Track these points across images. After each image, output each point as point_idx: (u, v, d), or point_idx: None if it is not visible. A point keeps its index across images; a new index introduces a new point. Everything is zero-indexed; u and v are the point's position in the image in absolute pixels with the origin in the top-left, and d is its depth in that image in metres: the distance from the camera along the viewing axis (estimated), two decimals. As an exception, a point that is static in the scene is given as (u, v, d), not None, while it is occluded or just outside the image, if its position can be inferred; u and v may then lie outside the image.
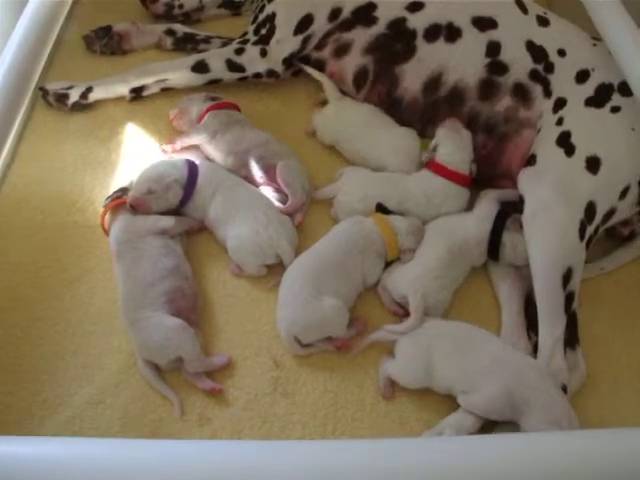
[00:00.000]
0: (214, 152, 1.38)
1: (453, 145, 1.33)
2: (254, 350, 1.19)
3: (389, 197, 1.31)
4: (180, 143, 1.39)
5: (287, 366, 1.18)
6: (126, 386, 1.13)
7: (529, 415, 1.07)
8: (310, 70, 1.49)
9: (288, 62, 1.49)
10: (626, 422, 1.15)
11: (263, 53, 1.46)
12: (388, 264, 1.28)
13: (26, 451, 0.80)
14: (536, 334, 1.19)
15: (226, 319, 1.23)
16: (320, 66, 1.49)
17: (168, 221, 1.25)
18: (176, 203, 1.28)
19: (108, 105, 1.49)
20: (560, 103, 1.31)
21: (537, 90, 1.35)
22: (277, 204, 1.32)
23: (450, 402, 1.14)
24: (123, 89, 1.47)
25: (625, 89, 1.25)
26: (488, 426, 1.11)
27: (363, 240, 1.24)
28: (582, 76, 1.32)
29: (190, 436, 1.08)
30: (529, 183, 1.25)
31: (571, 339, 1.19)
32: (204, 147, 1.40)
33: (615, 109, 1.27)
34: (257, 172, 1.35)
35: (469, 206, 1.35)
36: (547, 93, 1.34)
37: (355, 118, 1.42)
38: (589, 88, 1.30)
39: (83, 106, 1.46)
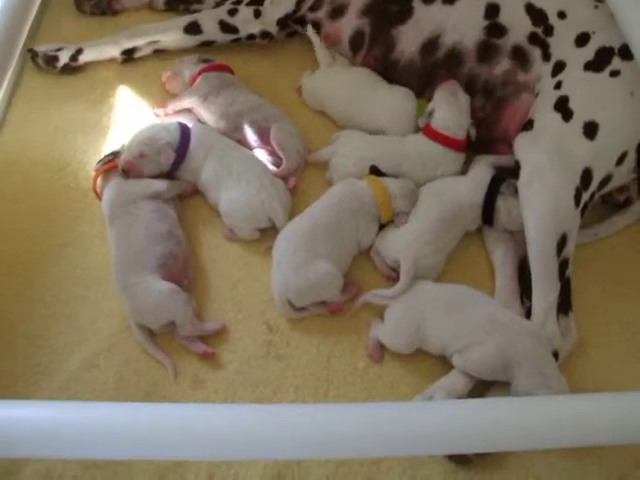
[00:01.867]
0: (206, 115, 1.36)
1: (449, 110, 1.31)
2: (247, 314, 1.20)
3: (384, 159, 1.30)
4: (172, 106, 1.38)
5: (280, 329, 1.18)
6: (120, 350, 1.13)
7: (520, 376, 1.07)
8: (307, 31, 1.46)
9: (282, 23, 1.46)
10: (616, 386, 1.15)
11: (257, 14, 1.43)
12: (382, 227, 1.27)
13: (22, 414, 0.82)
14: (529, 299, 1.19)
15: (219, 283, 1.23)
16: (316, 28, 1.46)
17: (161, 185, 1.24)
18: (168, 166, 1.27)
19: (99, 67, 1.46)
20: (559, 66, 1.29)
21: (536, 53, 1.32)
22: (271, 167, 1.30)
23: (441, 365, 1.15)
24: (114, 51, 1.44)
25: (626, 52, 1.22)
26: (478, 390, 1.11)
27: (357, 202, 1.24)
28: (582, 39, 1.29)
29: (183, 399, 1.09)
30: (525, 148, 1.23)
31: (564, 305, 1.19)
32: (196, 110, 1.38)
33: (614, 73, 1.24)
34: (251, 135, 1.33)
35: (464, 169, 1.33)
36: (546, 56, 1.31)
37: (346, 82, 1.40)
38: (589, 51, 1.27)
39: (73, 68, 1.44)
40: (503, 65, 1.33)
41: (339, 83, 1.41)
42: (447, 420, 0.86)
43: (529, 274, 1.20)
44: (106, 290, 1.19)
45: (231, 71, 1.42)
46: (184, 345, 1.14)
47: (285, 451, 0.85)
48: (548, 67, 1.31)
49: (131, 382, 1.10)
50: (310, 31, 1.46)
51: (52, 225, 1.25)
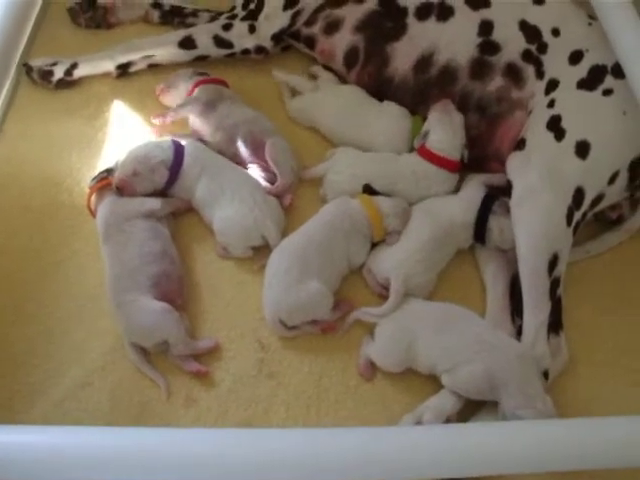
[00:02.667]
0: (203, 126, 1.37)
1: (444, 131, 1.31)
2: (240, 332, 1.21)
3: (379, 178, 1.31)
4: (170, 117, 1.37)
5: (272, 348, 1.19)
6: (113, 368, 1.15)
7: (505, 397, 1.09)
8: (279, 75, 1.47)
9: (277, 38, 1.45)
10: (606, 406, 1.17)
11: (252, 29, 1.43)
12: (374, 245, 1.28)
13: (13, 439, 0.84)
14: (521, 318, 1.20)
15: (212, 301, 1.24)
16: (310, 43, 1.46)
17: (154, 203, 1.25)
18: (162, 184, 1.27)
19: (94, 82, 1.46)
20: (552, 84, 1.29)
21: (529, 70, 1.32)
22: (264, 184, 1.31)
23: (431, 384, 1.16)
24: (109, 65, 1.44)
25: (618, 71, 1.23)
26: (468, 409, 1.13)
27: (349, 221, 1.25)
28: (576, 57, 1.29)
29: (176, 418, 1.11)
30: (518, 168, 1.24)
31: (555, 324, 1.20)
32: (193, 121, 1.38)
33: (607, 92, 1.25)
34: (245, 150, 1.34)
35: (457, 188, 1.34)
36: (539, 74, 1.31)
37: (337, 102, 1.40)
38: (582, 70, 1.28)
39: (68, 83, 1.44)
40: (496, 82, 1.34)
41: (329, 104, 1.41)
42: (428, 446, 0.88)
43: (521, 292, 1.20)
44: (101, 308, 1.20)
45: (227, 85, 1.42)
46: (177, 364, 1.14)
47: (269, 475, 0.88)
48: (541, 84, 1.31)
49: (125, 400, 1.11)
50: (275, 72, 1.47)
51: (47, 242, 1.26)
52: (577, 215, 1.21)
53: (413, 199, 1.32)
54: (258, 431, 0.95)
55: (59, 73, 1.42)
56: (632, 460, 0.91)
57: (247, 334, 1.20)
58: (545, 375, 1.14)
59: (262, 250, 1.26)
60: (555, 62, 1.31)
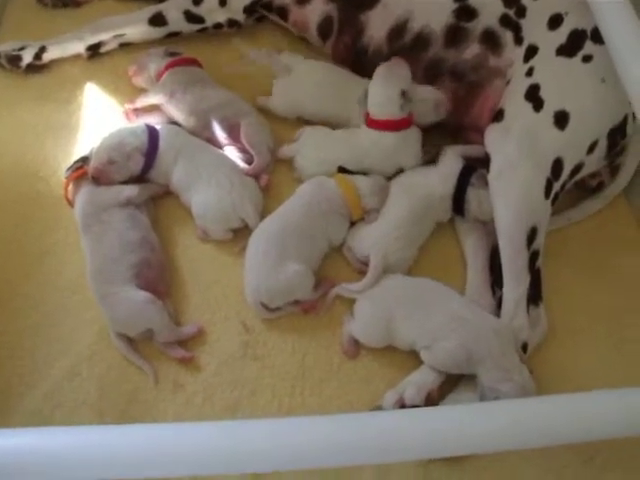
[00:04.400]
0: (175, 112, 1.35)
1: (376, 92, 1.28)
2: (223, 315, 1.22)
3: (346, 158, 1.29)
4: (140, 103, 1.36)
5: (256, 330, 1.21)
6: (101, 358, 1.16)
7: (483, 371, 1.11)
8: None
9: (249, 10, 1.42)
10: (585, 373, 1.19)
11: (222, 2, 1.40)
12: (354, 222, 1.28)
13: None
14: (501, 289, 1.20)
15: (195, 285, 1.24)
16: (283, 14, 1.42)
17: (131, 190, 1.24)
18: (138, 171, 1.27)
19: (65, 65, 1.43)
20: (531, 51, 1.26)
21: (507, 36, 1.29)
22: (242, 165, 1.30)
23: (414, 359, 1.17)
24: (79, 47, 1.41)
25: (598, 36, 1.18)
26: (448, 384, 1.15)
27: (326, 202, 1.24)
28: (555, 21, 1.25)
29: (165, 403, 1.13)
30: (496, 141, 1.22)
31: (534, 296, 1.21)
32: (165, 107, 1.35)
33: (587, 58, 1.21)
34: (220, 133, 1.33)
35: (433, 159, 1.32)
36: (518, 40, 1.28)
37: (314, 79, 1.37)
38: (561, 35, 1.24)
39: (38, 67, 1.41)
40: (473, 49, 1.31)
41: (307, 82, 1.37)
42: (404, 428, 0.90)
43: (501, 264, 1.21)
44: (85, 298, 1.20)
45: (199, 64, 1.39)
46: (163, 351, 1.16)
47: (251, 464, 0.90)
48: (520, 51, 1.28)
49: (113, 389, 1.13)
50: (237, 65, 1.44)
51: (27, 234, 1.26)
52: (556, 186, 1.20)
53: (388, 172, 1.31)
54: (233, 423, 0.98)
55: (28, 57, 1.39)
56: (601, 433, 0.95)
57: (231, 317, 1.22)
58: (524, 347, 1.16)
59: (242, 232, 1.27)
60: (534, 27, 1.27)
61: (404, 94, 1.29)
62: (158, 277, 1.20)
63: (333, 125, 1.37)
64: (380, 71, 1.31)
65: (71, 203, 1.26)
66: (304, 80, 1.38)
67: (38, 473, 0.85)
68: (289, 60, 1.42)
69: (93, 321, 1.19)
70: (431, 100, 1.32)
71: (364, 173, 1.30)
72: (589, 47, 1.22)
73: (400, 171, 1.32)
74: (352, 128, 1.34)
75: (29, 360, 1.16)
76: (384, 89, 1.29)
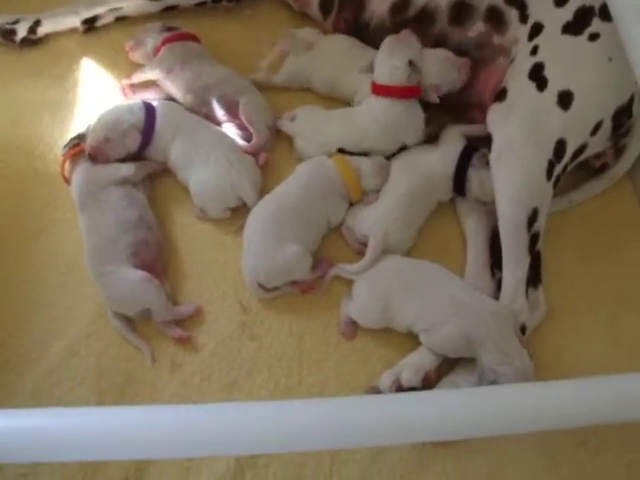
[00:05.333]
0: (172, 89, 1.33)
1: (382, 60, 1.25)
2: (221, 294, 1.22)
3: (346, 140, 1.27)
4: (136, 79, 1.34)
5: (254, 310, 1.21)
6: (98, 337, 1.17)
7: (482, 354, 1.10)
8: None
9: (248, -18, 1.39)
10: (584, 357, 1.18)
11: (221, -26, 1.37)
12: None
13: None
14: (501, 271, 1.19)
15: (192, 264, 1.24)
16: (283, -12, 1.39)
17: (128, 169, 1.23)
18: (135, 148, 1.25)
19: (60, 39, 1.41)
20: (536, 29, 1.22)
21: (512, 14, 1.25)
22: (241, 142, 1.29)
23: (412, 340, 1.17)
24: (74, 21, 1.39)
25: (606, 13, 1.15)
26: (446, 365, 1.15)
27: (325, 182, 1.23)
28: None
29: (162, 383, 1.13)
30: (498, 121, 1.19)
31: (534, 278, 1.20)
32: (162, 83, 1.34)
33: (593, 36, 1.17)
34: (219, 110, 1.31)
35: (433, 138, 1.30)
36: (523, 17, 1.24)
37: (335, 52, 1.34)
38: (568, 12, 1.20)
39: (33, 42, 1.39)
40: (477, 27, 1.27)
41: (327, 55, 1.35)
42: (397, 412, 0.90)
43: (501, 246, 1.20)
44: (83, 276, 1.20)
45: (197, 40, 1.37)
46: (161, 330, 1.17)
47: (245, 447, 0.91)
48: (525, 29, 1.24)
49: (111, 368, 1.14)
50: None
51: (25, 212, 1.26)
52: (558, 168, 1.18)
53: (389, 150, 1.28)
54: (228, 405, 0.98)
55: (22, 32, 1.37)
56: (599, 419, 0.95)
57: (228, 296, 1.21)
58: (523, 330, 1.15)
59: (240, 210, 1.26)
60: (540, 4, 1.23)
61: (411, 64, 1.25)
62: (155, 256, 1.20)
63: (336, 99, 1.36)
64: (387, 41, 1.28)
65: (68, 181, 1.25)
66: (326, 55, 1.35)
67: (36, 453, 0.86)
68: (310, 36, 1.38)
69: (91, 300, 1.19)
70: (449, 60, 1.27)
71: (365, 154, 1.27)
72: (596, 25, 1.18)
73: (401, 149, 1.30)
74: (351, 107, 1.32)
75: (28, 339, 1.16)
76: (391, 57, 1.26)
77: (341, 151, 1.27)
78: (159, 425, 0.87)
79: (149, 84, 1.36)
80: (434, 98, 1.27)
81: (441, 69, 1.28)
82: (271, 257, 1.17)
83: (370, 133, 1.27)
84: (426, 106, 1.31)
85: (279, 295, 1.21)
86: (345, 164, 1.23)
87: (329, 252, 1.25)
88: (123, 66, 1.39)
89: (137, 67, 1.38)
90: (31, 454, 0.86)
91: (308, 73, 1.37)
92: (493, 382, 1.07)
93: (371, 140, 1.28)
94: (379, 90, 1.27)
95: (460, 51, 1.29)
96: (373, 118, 1.28)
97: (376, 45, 1.34)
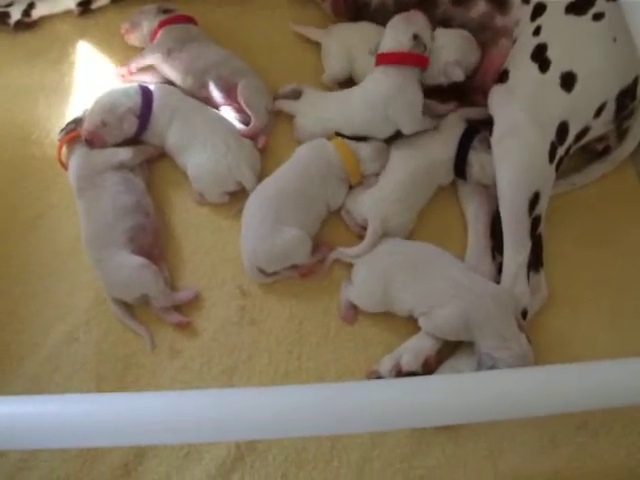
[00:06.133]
0: (170, 72, 1.31)
1: (387, 34, 1.23)
2: (220, 279, 1.21)
3: (338, 118, 1.25)
4: (135, 64, 1.32)
5: (253, 294, 1.20)
6: (98, 322, 1.17)
7: (480, 338, 1.10)
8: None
9: (246, -39, 1.37)
10: (584, 342, 1.18)
11: (217, -47, 1.35)
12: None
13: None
14: (502, 255, 1.18)
15: (191, 249, 1.23)
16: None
17: (126, 153, 1.22)
18: (132, 133, 1.24)
19: (55, 22, 1.39)
20: (539, 9, 1.20)
21: None
22: (239, 126, 1.27)
23: (412, 325, 1.16)
24: (69, 2, 1.37)
25: None
26: (446, 350, 1.14)
27: (325, 166, 1.22)
28: None
29: (162, 368, 1.13)
30: (499, 103, 1.18)
31: (535, 262, 1.19)
32: (160, 67, 1.32)
33: (598, 16, 1.15)
34: (217, 93, 1.29)
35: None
36: None
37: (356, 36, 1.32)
38: None
39: (28, 24, 1.37)
40: (480, 8, 1.25)
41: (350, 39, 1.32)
42: (399, 396, 0.90)
43: (502, 229, 1.19)
44: (81, 262, 1.20)
45: (194, 22, 1.35)
46: (160, 316, 1.16)
47: (245, 432, 0.91)
48: (528, 9, 1.22)
49: (111, 354, 1.14)
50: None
51: (21, 198, 1.25)
52: (560, 151, 1.16)
53: (385, 132, 1.25)
54: (228, 391, 0.99)
55: (16, 14, 1.35)
56: (599, 403, 0.95)
57: (227, 281, 1.21)
58: (524, 314, 1.15)
59: (239, 194, 1.24)
60: None
61: (416, 38, 1.22)
62: (153, 242, 1.19)
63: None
64: (394, 19, 1.25)
65: (65, 166, 1.24)
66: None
67: (36, 440, 0.86)
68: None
69: (90, 286, 1.19)
70: (469, 39, 1.24)
71: (363, 139, 1.25)
72: (600, 4, 1.16)
73: (398, 134, 1.27)
74: (346, 90, 1.29)
75: (27, 326, 1.16)
76: (395, 32, 1.23)
77: (340, 136, 1.25)
78: (159, 411, 0.87)
79: (146, 67, 1.34)
80: (459, 74, 1.23)
81: (462, 45, 1.25)
82: (270, 241, 1.16)
83: (359, 110, 1.24)
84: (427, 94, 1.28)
85: (279, 279, 1.20)
86: (344, 147, 1.22)
87: (329, 235, 1.24)
88: (119, 49, 1.37)
89: (133, 50, 1.36)
90: (31, 441, 0.87)
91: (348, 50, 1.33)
92: (491, 368, 1.06)
93: (359, 118, 1.24)
94: (381, 59, 1.24)
95: (462, 33, 1.28)
96: (366, 94, 1.24)
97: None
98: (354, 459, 1.07)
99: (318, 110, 1.28)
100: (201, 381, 1.12)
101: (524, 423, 1.11)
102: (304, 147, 1.25)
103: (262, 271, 1.18)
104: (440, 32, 1.26)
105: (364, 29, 1.35)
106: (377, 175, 1.24)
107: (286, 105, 1.32)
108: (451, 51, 1.25)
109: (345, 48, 1.34)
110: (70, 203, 1.24)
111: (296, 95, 1.33)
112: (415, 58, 1.23)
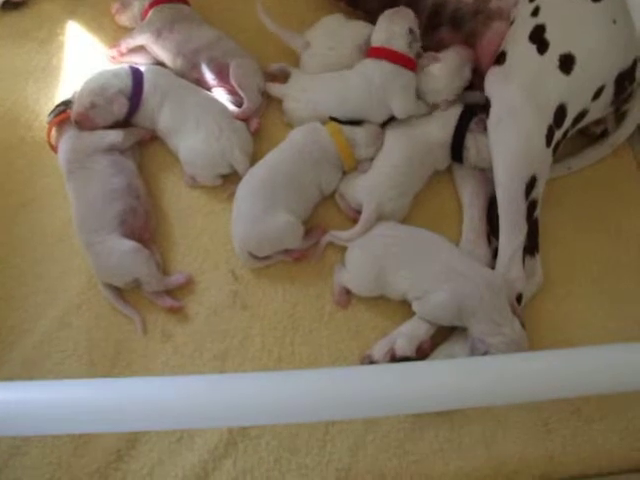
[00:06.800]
0: (161, 53, 1.29)
1: (381, 27, 1.22)
2: (213, 263, 1.20)
3: (330, 99, 1.23)
4: (125, 45, 1.30)
5: (246, 278, 1.19)
6: (89, 307, 1.15)
7: (474, 324, 1.09)
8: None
9: (238, -61, 1.33)
10: (579, 327, 1.17)
11: None
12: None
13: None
14: (497, 239, 1.17)
15: (183, 233, 1.22)
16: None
17: (116, 135, 1.20)
18: (123, 115, 1.22)
19: (44, 1, 1.37)
20: None
21: None
22: (231, 107, 1.25)
23: (406, 310, 1.15)
24: (58, -19, 1.34)
25: None
26: (440, 335, 1.13)
27: (318, 150, 1.20)
28: None
29: (154, 353, 1.12)
30: (496, 85, 1.16)
31: (531, 246, 1.18)
32: (150, 48, 1.29)
33: None
34: (209, 74, 1.27)
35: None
36: None
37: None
38: None
39: (15, 4, 1.34)
40: None
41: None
42: (394, 383, 0.89)
43: (497, 214, 1.17)
44: (72, 246, 1.19)
45: (185, 1, 1.32)
46: (151, 300, 1.15)
47: (238, 418, 0.90)
48: None
49: (102, 339, 1.13)
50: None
51: (11, 181, 1.23)
52: (558, 134, 1.15)
53: (378, 116, 1.24)
54: (220, 377, 0.98)
55: (4, -7, 1.33)
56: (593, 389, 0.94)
57: (220, 265, 1.20)
58: (519, 299, 1.14)
59: (231, 177, 1.23)
60: None
61: (411, 32, 1.22)
62: (144, 225, 1.17)
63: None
64: (385, 13, 1.24)
65: (54, 149, 1.22)
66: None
67: (28, 427, 0.85)
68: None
69: (81, 270, 1.18)
70: (455, 71, 1.23)
71: (357, 123, 1.23)
72: None
73: (391, 119, 1.26)
74: (343, 70, 1.27)
75: (18, 311, 1.15)
76: (390, 24, 1.22)
77: (334, 120, 1.23)
78: (151, 397, 0.86)
79: (137, 48, 1.31)
80: (445, 108, 1.24)
81: (449, 87, 1.23)
82: (262, 226, 1.14)
83: (354, 91, 1.23)
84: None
85: (270, 263, 1.19)
86: (339, 134, 1.20)
87: (323, 219, 1.23)
88: (109, 29, 1.35)
89: (124, 31, 1.33)
90: (22, 427, 0.86)
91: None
92: (484, 354, 1.05)
93: (354, 99, 1.23)
94: (374, 52, 1.23)
95: (455, 21, 1.24)
96: (360, 74, 1.23)
97: (367, 11, 1.30)
98: (348, 444, 1.07)
99: (308, 92, 1.26)
100: (193, 366, 1.11)
101: (518, 408, 1.10)
102: (298, 131, 1.23)
103: (253, 255, 1.17)
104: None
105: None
106: (371, 160, 1.22)
107: (274, 89, 1.29)
108: (439, 94, 1.23)
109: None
110: (60, 187, 1.22)
111: (284, 75, 1.31)
112: (407, 61, 1.22)
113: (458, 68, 1.24)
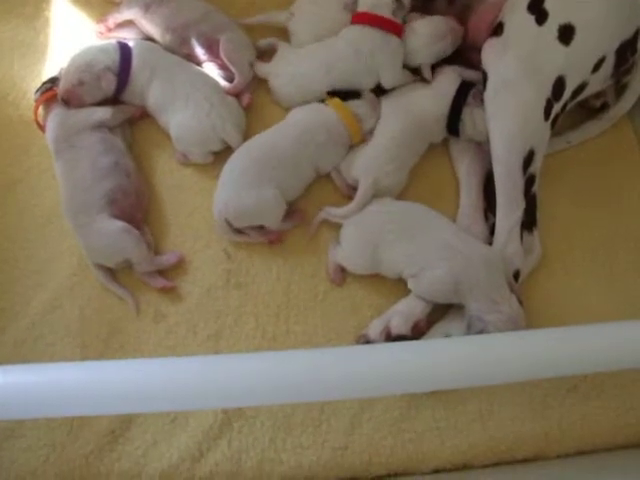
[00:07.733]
0: (150, 28, 1.26)
1: None
2: (205, 242, 1.18)
3: (316, 69, 1.20)
4: (112, 20, 1.26)
5: (239, 257, 1.17)
6: (81, 288, 1.14)
7: (470, 301, 1.07)
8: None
9: None
10: (577, 303, 1.16)
11: None
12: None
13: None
14: (494, 215, 1.15)
15: (175, 211, 1.20)
16: None
17: (104, 112, 1.18)
18: (111, 91, 1.19)
19: (29, -25, 1.33)
20: None
21: None
22: (223, 83, 1.23)
23: (401, 287, 1.14)
24: (43, -46, 1.30)
25: None
26: (436, 313, 1.12)
27: (324, 132, 1.17)
28: None
29: (147, 334, 1.11)
30: (493, 57, 1.13)
31: (529, 222, 1.16)
32: (139, 22, 1.26)
33: None
34: (199, 49, 1.24)
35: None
36: None
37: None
38: None
39: (0, -22, 1.31)
40: None
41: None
42: (390, 361, 0.89)
43: (495, 189, 1.15)
44: (62, 227, 1.17)
45: (174, -26, 1.29)
46: (144, 280, 1.14)
47: (234, 399, 0.90)
48: None
49: (95, 320, 1.11)
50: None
51: (-1, 162, 1.22)
52: (556, 107, 1.12)
53: (365, 84, 1.21)
54: (214, 358, 0.97)
55: (-13, -33, 1.29)
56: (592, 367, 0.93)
57: (212, 244, 1.18)
58: (516, 275, 1.12)
59: (224, 154, 1.20)
60: None
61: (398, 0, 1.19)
62: (134, 205, 1.15)
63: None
64: None
65: (42, 127, 1.20)
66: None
67: (22, 410, 0.84)
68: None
69: (72, 251, 1.16)
70: (434, 36, 1.20)
71: (353, 94, 1.20)
72: None
73: (378, 87, 1.23)
74: (324, 41, 1.24)
75: (9, 293, 1.13)
76: None
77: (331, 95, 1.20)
78: (145, 379, 0.85)
79: (125, 23, 1.28)
80: (428, 75, 1.21)
81: (427, 48, 1.20)
82: (245, 195, 1.12)
83: (342, 56, 1.20)
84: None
85: (245, 241, 1.16)
86: (344, 108, 1.18)
87: (317, 196, 1.20)
88: (96, 4, 1.31)
89: (111, 5, 1.29)
90: (16, 411, 0.85)
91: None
92: (481, 331, 1.04)
93: (341, 64, 1.20)
94: (359, 18, 1.21)
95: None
96: (347, 41, 1.20)
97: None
98: (343, 424, 1.06)
99: (292, 66, 1.23)
100: (186, 346, 1.10)
101: (514, 386, 1.09)
102: (300, 112, 1.20)
103: (229, 224, 1.14)
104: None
105: None
106: (371, 133, 1.19)
107: (259, 68, 1.26)
108: (418, 55, 1.21)
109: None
110: (49, 167, 1.20)
111: (274, 51, 1.27)
112: (393, 26, 1.19)
113: (441, 33, 1.21)
